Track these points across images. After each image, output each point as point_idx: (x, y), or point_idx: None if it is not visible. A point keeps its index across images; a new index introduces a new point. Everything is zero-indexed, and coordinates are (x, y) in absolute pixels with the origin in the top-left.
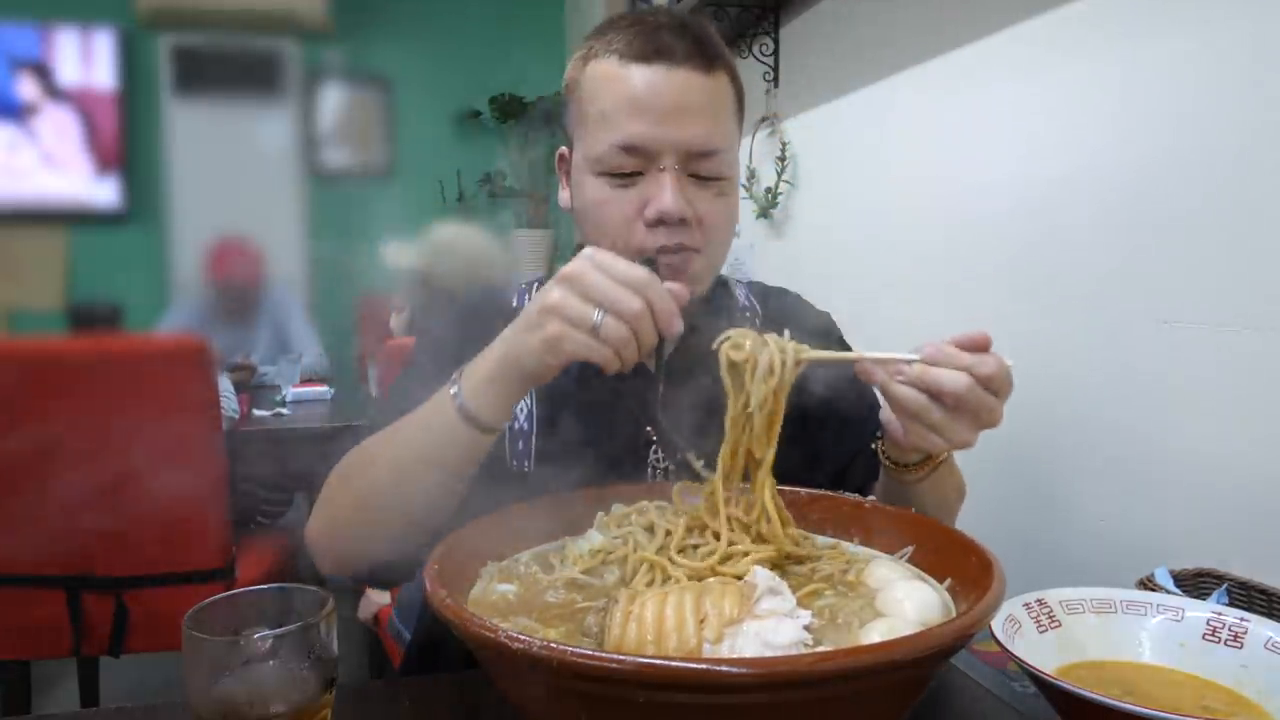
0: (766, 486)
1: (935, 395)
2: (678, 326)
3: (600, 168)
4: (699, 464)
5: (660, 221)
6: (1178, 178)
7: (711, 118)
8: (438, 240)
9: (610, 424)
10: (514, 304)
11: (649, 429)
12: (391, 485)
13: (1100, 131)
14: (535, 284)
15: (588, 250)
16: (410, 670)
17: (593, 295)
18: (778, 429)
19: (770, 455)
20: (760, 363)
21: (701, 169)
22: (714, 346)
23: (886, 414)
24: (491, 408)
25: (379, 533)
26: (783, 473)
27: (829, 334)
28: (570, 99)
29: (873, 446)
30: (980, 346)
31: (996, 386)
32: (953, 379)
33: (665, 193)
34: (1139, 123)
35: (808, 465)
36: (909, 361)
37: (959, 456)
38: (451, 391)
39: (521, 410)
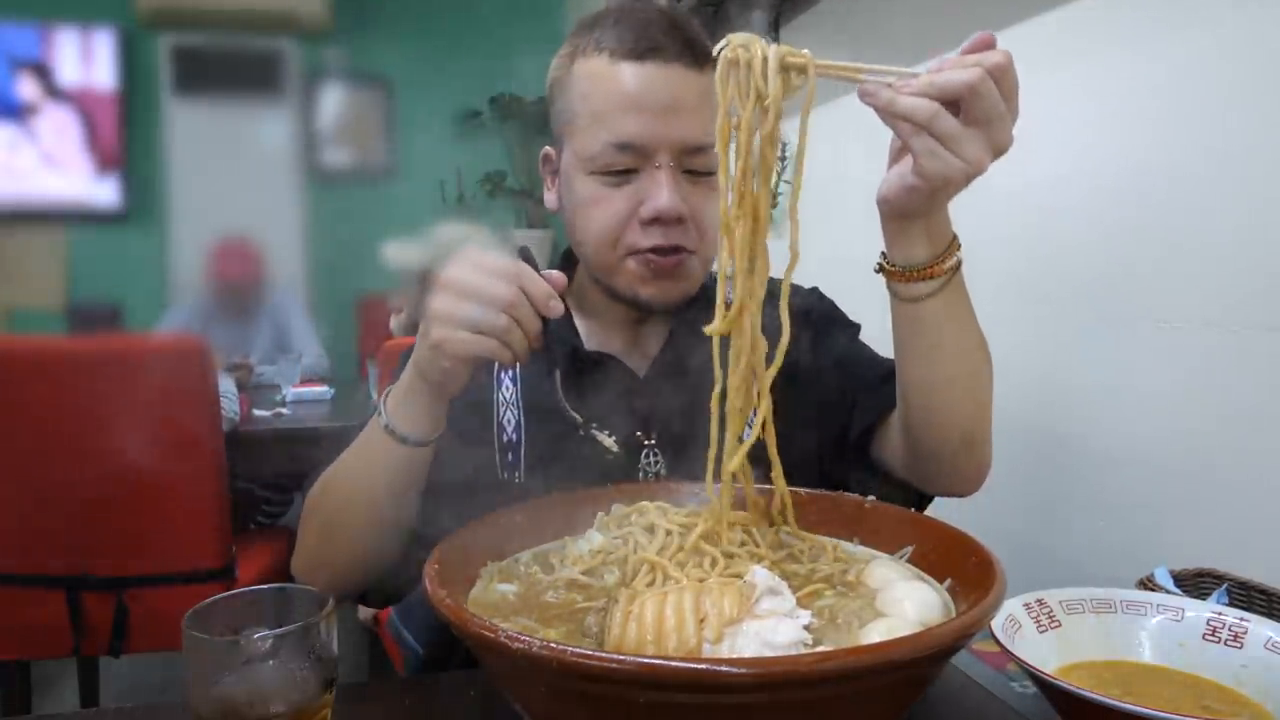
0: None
1: (946, 99)
2: (557, 308)
3: (593, 166)
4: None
5: (656, 220)
6: (1178, 177)
7: (704, 113)
8: (441, 240)
9: (601, 428)
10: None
11: (640, 433)
12: (345, 512)
13: (1100, 131)
14: None
15: (461, 254)
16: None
17: (466, 293)
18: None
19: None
20: (770, 54)
21: (696, 164)
22: (715, 53)
23: (887, 181)
24: (412, 422)
25: (345, 560)
26: (785, 434)
27: (831, 313)
28: (556, 98)
29: (875, 269)
30: (985, 45)
31: (1007, 85)
32: (962, 73)
33: (661, 190)
34: (1139, 122)
35: (808, 424)
36: (915, 75)
37: None
38: (377, 413)
39: (509, 421)
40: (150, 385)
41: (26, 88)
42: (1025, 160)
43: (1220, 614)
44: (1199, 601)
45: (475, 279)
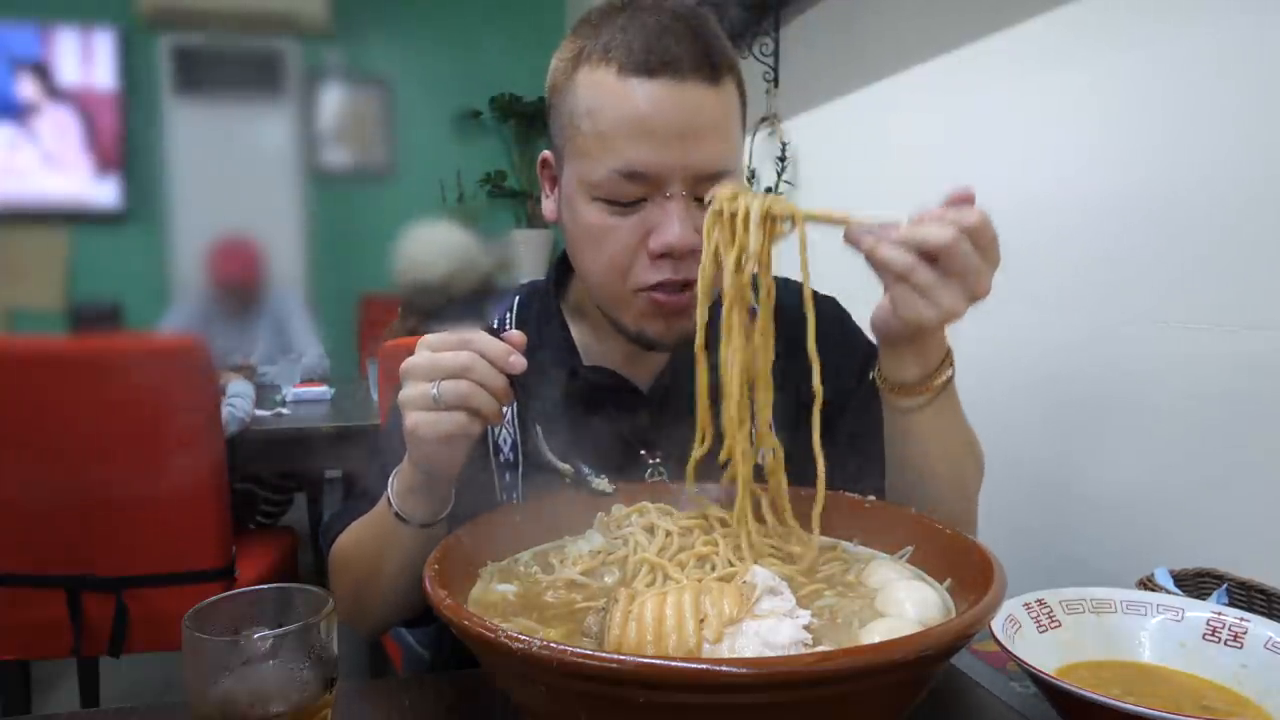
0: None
1: (923, 253)
2: (517, 363)
3: (598, 193)
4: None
5: (666, 255)
6: (1178, 178)
7: (721, 136)
8: (414, 244)
9: (602, 448)
10: (494, 323)
11: (644, 452)
12: (371, 584)
13: (1100, 131)
14: (517, 297)
15: (420, 342)
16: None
17: (422, 374)
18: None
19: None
20: (753, 208)
21: (708, 192)
22: (705, 201)
23: (877, 308)
24: (418, 505)
25: (380, 615)
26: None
27: (843, 321)
28: (557, 105)
29: (870, 378)
30: (965, 200)
31: (983, 242)
32: (938, 231)
33: (672, 224)
34: (1139, 122)
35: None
36: (896, 222)
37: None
38: (387, 496)
39: (506, 441)
40: (150, 385)
41: (26, 88)
42: (1026, 160)
43: (1220, 614)
44: (1199, 601)
45: (428, 358)
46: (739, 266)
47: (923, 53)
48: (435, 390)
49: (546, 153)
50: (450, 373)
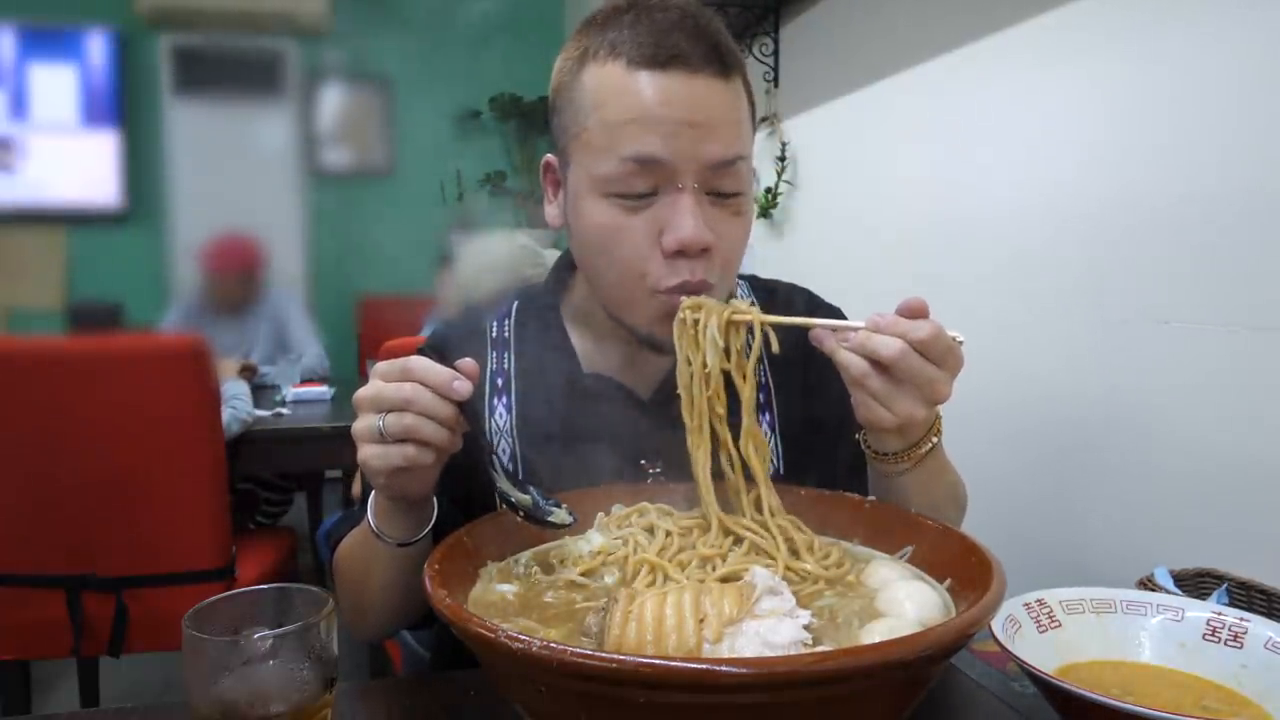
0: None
1: (874, 361)
2: (461, 389)
3: (608, 188)
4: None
5: (680, 252)
6: (1178, 178)
7: (732, 127)
8: (477, 258)
9: (601, 457)
10: (492, 331)
11: (644, 462)
12: (363, 595)
13: (1100, 131)
14: (516, 302)
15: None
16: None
17: (369, 405)
18: (749, 398)
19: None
20: (710, 325)
21: (722, 185)
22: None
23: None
24: (394, 528)
25: (378, 623)
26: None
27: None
28: (562, 106)
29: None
30: (916, 313)
31: (935, 355)
32: (886, 343)
33: (685, 218)
34: (1139, 122)
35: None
36: (855, 329)
37: (958, 460)
38: (367, 517)
39: (504, 451)
40: (150, 385)
41: (27, 88)
42: (1028, 159)
43: (1220, 614)
44: (1199, 601)
45: (371, 391)
46: (706, 381)
47: (923, 53)
48: (381, 423)
49: (550, 156)
50: (393, 405)
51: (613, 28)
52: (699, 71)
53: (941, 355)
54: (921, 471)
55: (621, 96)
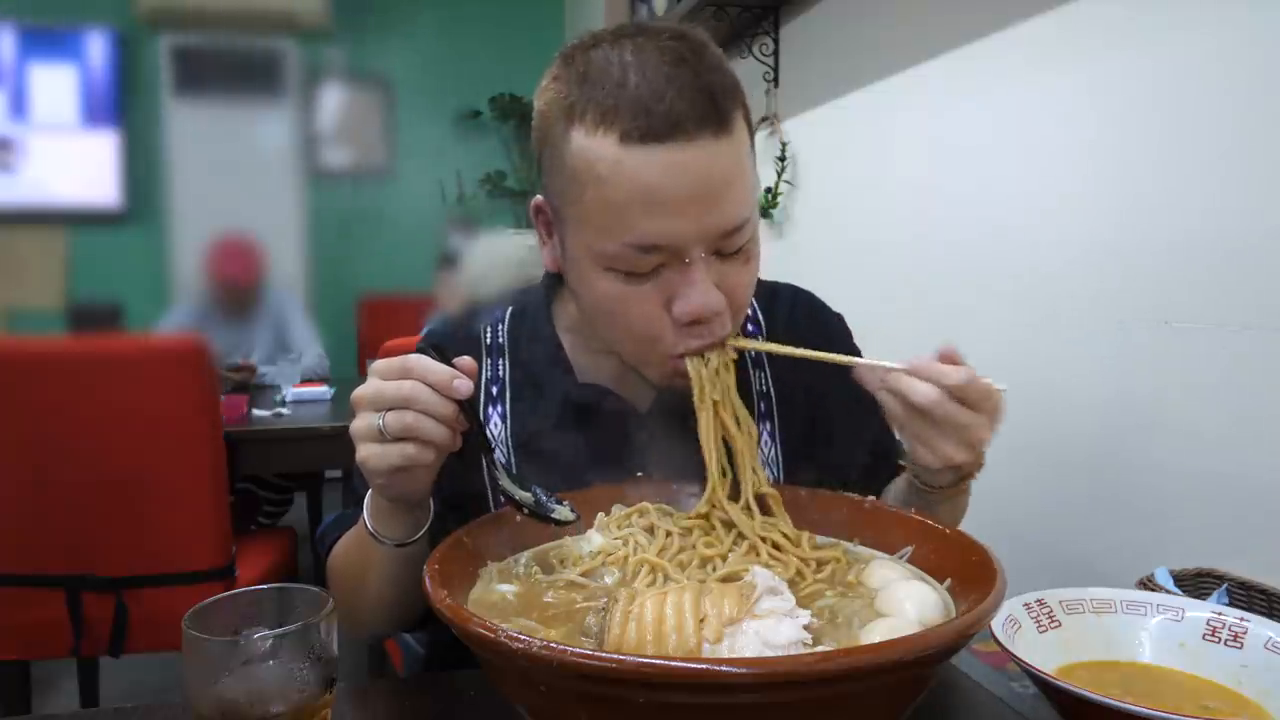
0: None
1: (909, 406)
2: (462, 387)
3: (612, 264)
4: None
5: (695, 321)
6: (1178, 178)
7: (737, 189)
8: (482, 257)
9: (598, 468)
10: (485, 337)
11: (640, 474)
12: (359, 596)
13: (1101, 131)
14: (509, 307)
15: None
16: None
17: (368, 404)
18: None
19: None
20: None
21: (730, 245)
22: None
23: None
24: (391, 528)
25: (372, 623)
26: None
27: (831, 342)
28: (548, 152)
29: (900, 462)
30: (949, 360)
31: (972, 400)
32: (921, 389)
33: (696, 291)
34: (1140, 123)
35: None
36: (891, 370)
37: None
38: (364, 517)
39: (499, 459)
40: (150, 385)
41: (27, 88)
42: (1028, 160)
43: (1220, 614)
44: (1199, 601)
45: (374, 387)
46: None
47: (923, 53)
48: (380, 422)
49: (539, 199)
50: (393, 403)
51: (599, 81)
52: (697, 135)
53: (978, 401)
54: (955, 495)
55: (618, 177)
